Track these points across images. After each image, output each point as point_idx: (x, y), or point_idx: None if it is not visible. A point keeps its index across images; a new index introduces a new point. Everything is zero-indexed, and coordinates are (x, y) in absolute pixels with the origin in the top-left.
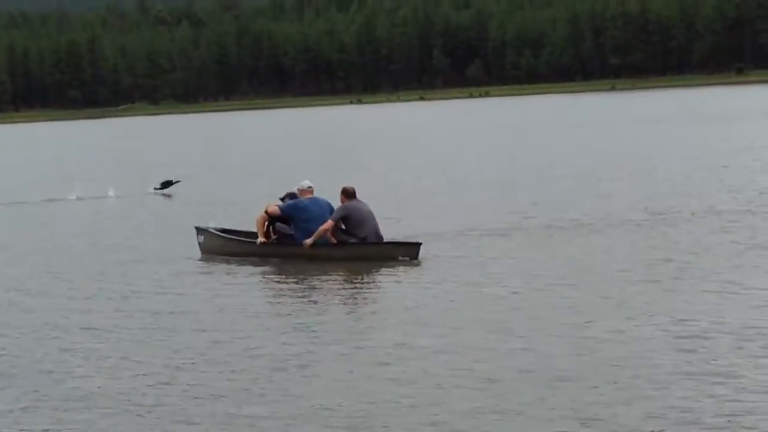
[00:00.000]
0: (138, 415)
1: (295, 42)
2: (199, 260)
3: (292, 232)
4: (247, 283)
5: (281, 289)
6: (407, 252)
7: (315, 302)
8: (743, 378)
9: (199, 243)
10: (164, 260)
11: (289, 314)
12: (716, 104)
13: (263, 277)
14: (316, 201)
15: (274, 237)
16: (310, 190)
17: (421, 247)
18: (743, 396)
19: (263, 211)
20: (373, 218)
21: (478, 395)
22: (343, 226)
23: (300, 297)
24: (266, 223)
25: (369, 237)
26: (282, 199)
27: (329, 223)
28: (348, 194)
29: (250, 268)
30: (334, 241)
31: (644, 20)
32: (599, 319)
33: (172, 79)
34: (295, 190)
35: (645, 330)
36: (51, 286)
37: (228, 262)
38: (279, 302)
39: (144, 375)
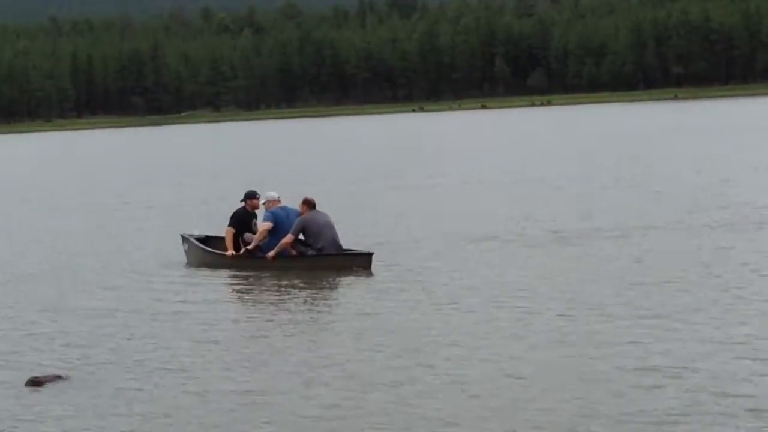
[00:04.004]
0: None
1: (357, 50)
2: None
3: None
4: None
5: (238, 306)
6: (360, 262)
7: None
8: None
9: (185, 251)
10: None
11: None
12: None
13: (224, 290)
14: (286, 210)
15: (244, 248)
16: (278, 200)
17: (373, 257)
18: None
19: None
20: (331, 228)
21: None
22: (303, 237)
23: (244, 318)
24: (234, 235)
25: (326, 247)
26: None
27: (289, 237)
28: (309, 205)
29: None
30: (294, 253)
31: (707, 29)
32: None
33: (234, 86)
34: (261, 202)
35: None
36: None
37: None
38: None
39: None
